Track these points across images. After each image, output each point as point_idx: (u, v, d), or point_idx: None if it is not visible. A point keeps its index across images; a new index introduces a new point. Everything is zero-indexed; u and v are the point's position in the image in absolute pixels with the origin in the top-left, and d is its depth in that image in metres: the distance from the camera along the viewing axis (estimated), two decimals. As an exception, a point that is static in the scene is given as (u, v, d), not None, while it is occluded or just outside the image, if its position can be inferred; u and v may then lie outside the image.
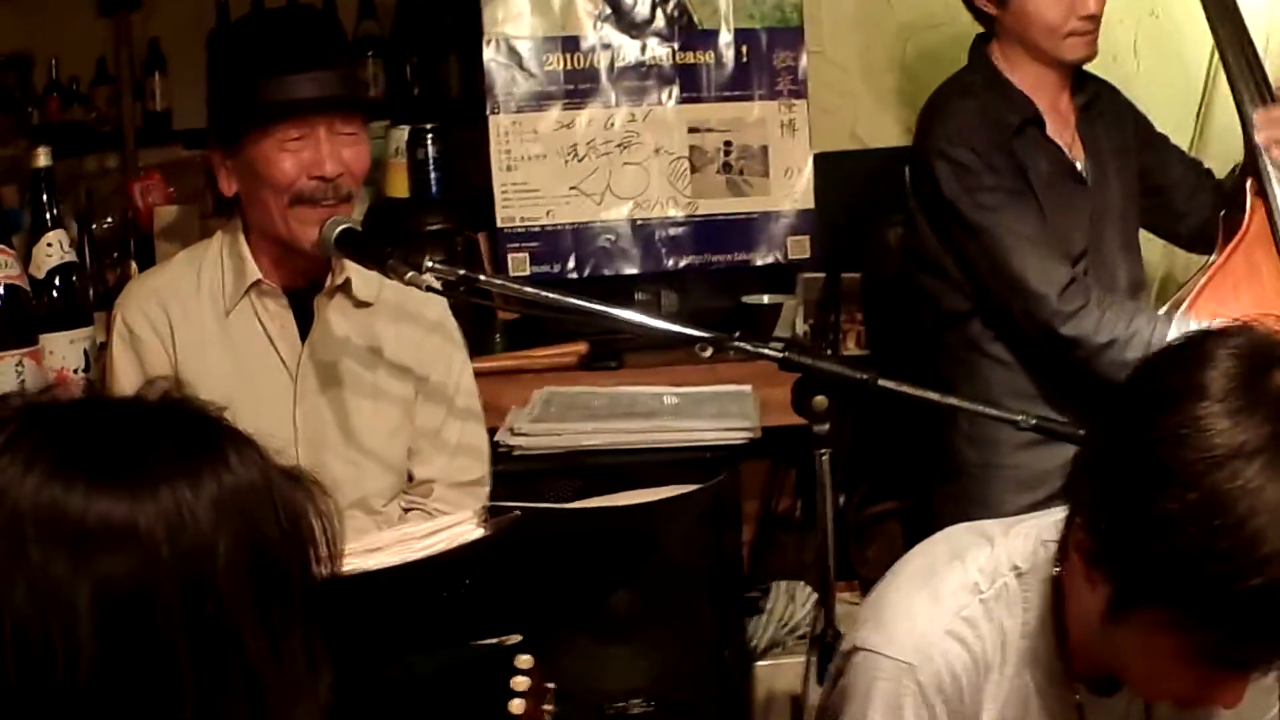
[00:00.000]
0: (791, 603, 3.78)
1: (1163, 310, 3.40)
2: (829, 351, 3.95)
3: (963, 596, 1.94)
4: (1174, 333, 3.07)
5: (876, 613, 1.99)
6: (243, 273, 2.81)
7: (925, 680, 1.90)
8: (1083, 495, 1.81)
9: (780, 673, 3.71)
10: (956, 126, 3.21)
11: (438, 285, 2.69)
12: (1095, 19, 3.27)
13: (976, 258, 3.21)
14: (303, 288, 2.85)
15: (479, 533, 2.29)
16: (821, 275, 4.00)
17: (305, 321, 2.85)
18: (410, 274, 2.59)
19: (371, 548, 2.23)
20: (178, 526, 1.21)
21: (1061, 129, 3.33)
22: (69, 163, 4.73)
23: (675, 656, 3.43)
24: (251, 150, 2.73)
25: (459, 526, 2.30)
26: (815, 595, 3.81)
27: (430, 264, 2.67)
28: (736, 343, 2.69)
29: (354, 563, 2.12)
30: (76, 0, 4.72)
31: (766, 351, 2.62)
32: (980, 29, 3.41)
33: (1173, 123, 3.72)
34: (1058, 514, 1.94)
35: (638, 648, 3.40)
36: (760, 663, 3.69)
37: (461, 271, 2.78)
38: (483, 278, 2.85)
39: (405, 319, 2.89)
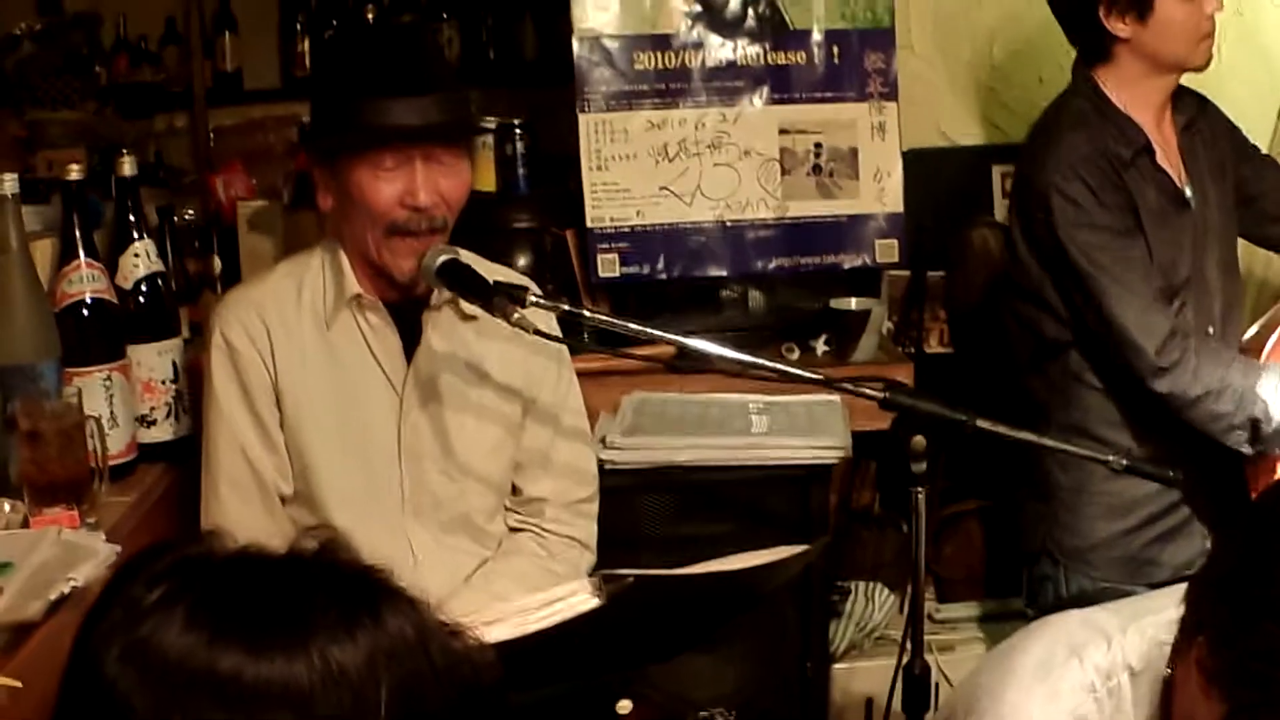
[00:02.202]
0: (870, 604, 3.79)
1: (1253, 330, 3.39)
2: (912, 351, 3.95)
3: (1079, 695, 1.95)
4: (1264, 384, 3.08)
5: (995, 706, 1.98)
6: (343, 286, 2.77)
7: None
8: (1207, 612, 1.78)
9: (855, 676, 3.75)
10: (1069, 159, 3.15)
11: (545, 329, 2.65)
12: (1213, 20, 3.23)
13: (1078, 296, 3.18)
14: (404, 300, 2.80)
15: (594, 603, 2.31)
16: (906, 273, 3.98)
17: (407, 334, 2.82)
18: (518, 315, 2.57)
19: (490, 620, 2.25)
20: (333, 686, 1.22)
21: (1168, 153, 3.29)
22: (138, 124, 4.74)
23: (759, 666, 3.46)
24: (347, 172, 2.69)
25: (575, 597, 2.31)
26: (893, 597, 3.84)
27: (535, 298, 2.65)
28: (841, 384, 2.70)
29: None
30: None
31: (869, 392, 2.63)
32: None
33: (1252, 118, 3.68)
34: (1172, 611, 1.91)
35: (723, 657, 3.43)
36: (836, 665, 3.70)
37: (566, 306, 2.77)
38: (587, 313, 2.83)
39: (512, 334, 2.76)
